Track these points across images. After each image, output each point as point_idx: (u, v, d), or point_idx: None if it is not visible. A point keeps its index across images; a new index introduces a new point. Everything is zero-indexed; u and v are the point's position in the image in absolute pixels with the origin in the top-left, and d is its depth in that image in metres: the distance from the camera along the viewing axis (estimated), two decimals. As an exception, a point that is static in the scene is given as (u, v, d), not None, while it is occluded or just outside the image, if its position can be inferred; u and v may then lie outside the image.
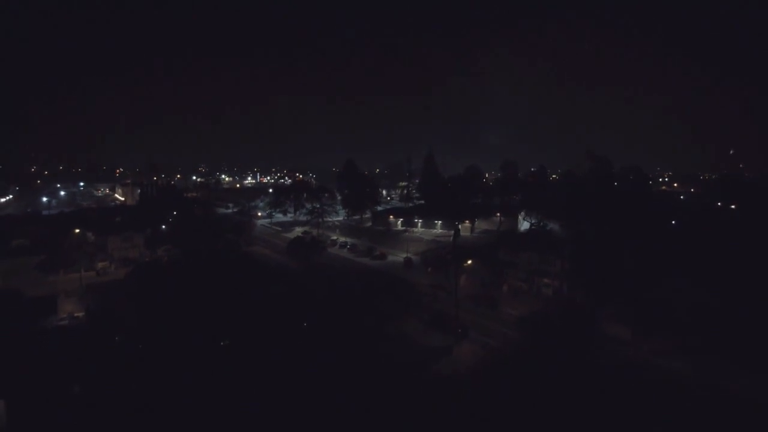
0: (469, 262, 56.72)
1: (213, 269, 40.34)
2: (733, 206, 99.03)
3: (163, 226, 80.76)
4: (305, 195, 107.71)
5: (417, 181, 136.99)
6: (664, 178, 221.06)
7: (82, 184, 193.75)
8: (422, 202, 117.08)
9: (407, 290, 46.34)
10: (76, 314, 41.55)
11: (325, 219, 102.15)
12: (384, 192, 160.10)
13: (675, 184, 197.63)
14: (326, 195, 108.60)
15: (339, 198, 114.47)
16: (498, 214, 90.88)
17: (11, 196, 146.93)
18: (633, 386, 28.41)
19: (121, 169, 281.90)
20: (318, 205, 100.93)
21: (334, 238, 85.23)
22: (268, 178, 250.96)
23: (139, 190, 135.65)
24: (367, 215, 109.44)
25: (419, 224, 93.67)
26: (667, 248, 50.12)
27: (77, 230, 63.74)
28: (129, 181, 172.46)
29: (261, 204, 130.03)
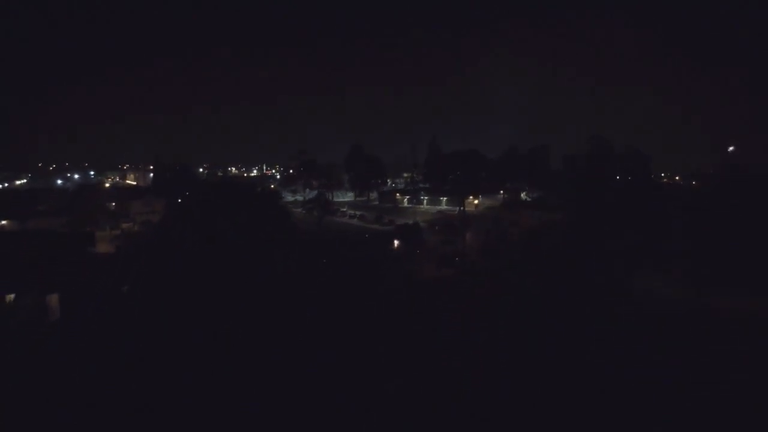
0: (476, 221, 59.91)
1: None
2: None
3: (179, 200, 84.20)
4: (313, 176, 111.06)
5: (420, 176, 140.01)
6: (666, 173, 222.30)
7: (92, 173, 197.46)
8: (427, 185, 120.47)
9: (418, 236, 49.39)
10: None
11: (333, 199, 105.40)
12: (389, 181, 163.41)
13: (677, 177, 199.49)
14: (335, 182, 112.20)
15: (347, 183, 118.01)
16: (501, 192, 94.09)
17: (25, 180, 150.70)
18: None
19: (127, 165, 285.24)
20: (326, 181, 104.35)
21: (344, 209, 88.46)
22: (273, 171, 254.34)
23: (151, 175, 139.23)
24: (374, 196, 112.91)
25: (425, 201, 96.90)
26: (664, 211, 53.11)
27: (107, 184, 66.73)
28: (141, 166, 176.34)
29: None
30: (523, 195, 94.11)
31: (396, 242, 51.43)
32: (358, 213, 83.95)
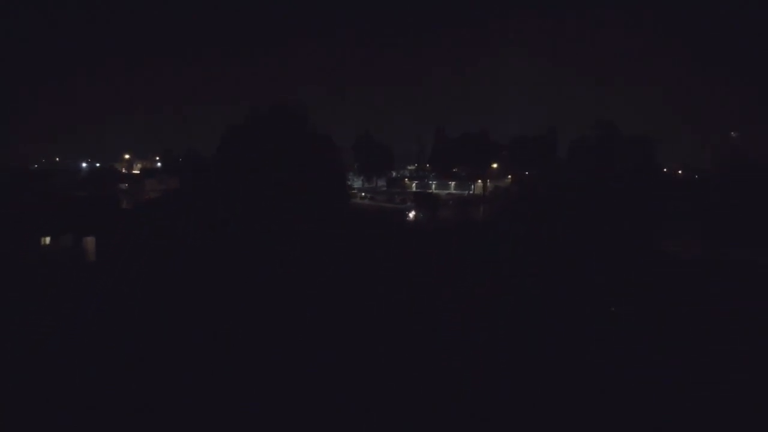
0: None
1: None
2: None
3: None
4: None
5: (427, 166, 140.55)
6: (667, 167, 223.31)
7: (98, 164, 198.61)
8: (434, 173, 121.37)
9: (435, 204, 50.36)
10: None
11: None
12: (395, 173, 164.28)
13: (679, 171, 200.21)
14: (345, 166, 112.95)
15: (355, 168, 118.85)
16: (510, 176, 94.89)
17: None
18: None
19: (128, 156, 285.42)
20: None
21: (355, 191, 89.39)
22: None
23: (159, 164, 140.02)
24: (382, 183, 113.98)
25: (433, 186, 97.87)
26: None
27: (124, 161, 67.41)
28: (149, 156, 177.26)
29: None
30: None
31: (412, 213, 52.56)
32: (369, 195, 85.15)
